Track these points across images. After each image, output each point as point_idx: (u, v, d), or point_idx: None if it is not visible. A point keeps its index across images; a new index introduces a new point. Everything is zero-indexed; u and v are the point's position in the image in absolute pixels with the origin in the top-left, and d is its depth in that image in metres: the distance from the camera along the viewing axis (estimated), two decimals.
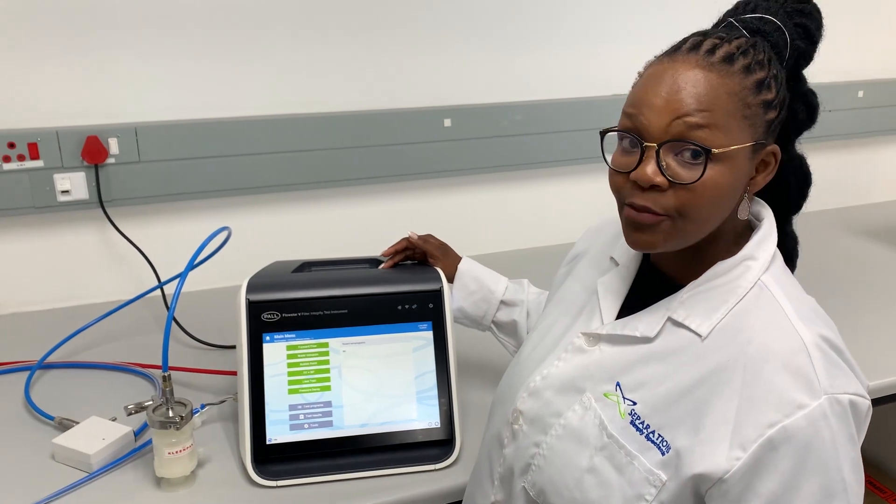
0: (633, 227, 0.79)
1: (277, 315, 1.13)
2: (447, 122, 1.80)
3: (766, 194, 0.87)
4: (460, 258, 1.27)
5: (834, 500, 0.71)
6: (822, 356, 0.74)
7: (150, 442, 1.17)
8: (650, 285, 0.87)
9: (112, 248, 1.68)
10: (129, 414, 1.09)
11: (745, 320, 0.77)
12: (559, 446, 0.84)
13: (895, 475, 2.18)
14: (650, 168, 0.75)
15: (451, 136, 1.82)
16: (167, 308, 1.55)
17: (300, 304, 1.14)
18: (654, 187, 0.75)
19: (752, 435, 0.71)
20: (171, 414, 1.05)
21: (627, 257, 0.93)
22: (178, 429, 1.04)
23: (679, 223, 0.76)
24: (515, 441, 0.90)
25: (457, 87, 1.84)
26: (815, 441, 0.71)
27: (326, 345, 1.13)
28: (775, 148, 0.79)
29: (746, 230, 0.85)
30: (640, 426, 0.79)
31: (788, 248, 0.91)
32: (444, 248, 1.28)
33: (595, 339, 0.87)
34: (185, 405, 1.07)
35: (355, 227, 1.86)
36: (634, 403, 0.80)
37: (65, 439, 1.13)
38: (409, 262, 1.28)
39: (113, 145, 1.57)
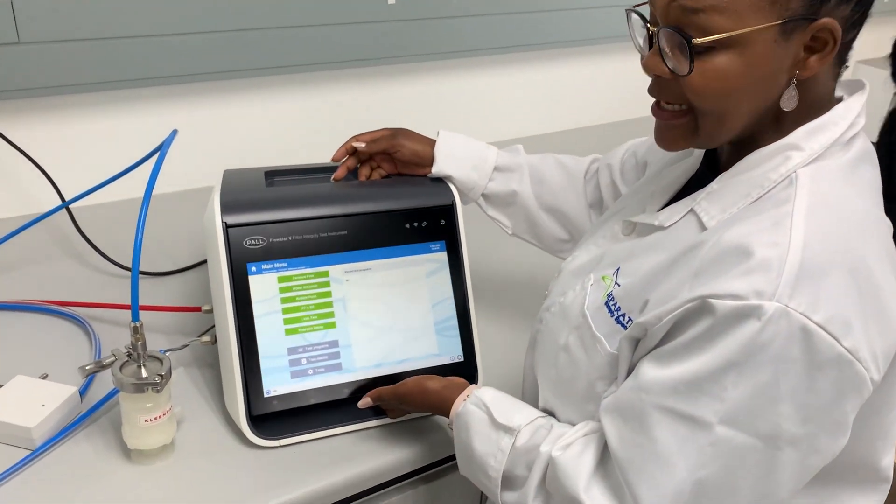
0: (656, 122, 0.75)
1: (263, 240, 0.91)
2: (391, 0, 1.56)
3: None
4: (428, 138, 1.06)
5: (698, 397, 0.64)
6: (806, 265, 0.62)
7: (101, 403, 0.94)
8: (699, 179, 0.80)
9: None
10: (87, 375, 0.85)
11: (749, 212, 0.69)
12: (551, 323, 0.84)
13: None
14: (652, 57, 0.71)
15: (395, 16, 1.58)
16: (77, 229, 1.26)
17: (291, 227, 0.92)
18: (660, 77, 0.71)
19: (680, 302, 0.66)
20: (145, 373, 0.83)
21: (700, 150, 0.84)
22: (157, 391, 0.82)
23: (698, 118, 0.71)
24: (539, 324, 0.89)
25: None
26: (733, 333, 0.63)
27: (326, 273, 0.93)
28: (830, 23, 0.65)
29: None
30: (613, 308, 0.76)
31: None
32: (402, 132, 1.05)
33: (630, 227, 0.83)
34: (160, 360, 0.85)
35: (289, 122, 1.60)
36: (619, 286, 0.77)
37: None
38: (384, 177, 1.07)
39: None
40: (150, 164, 0.87)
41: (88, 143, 1.41)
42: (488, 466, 0.78)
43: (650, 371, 0.68)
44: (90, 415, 0.93)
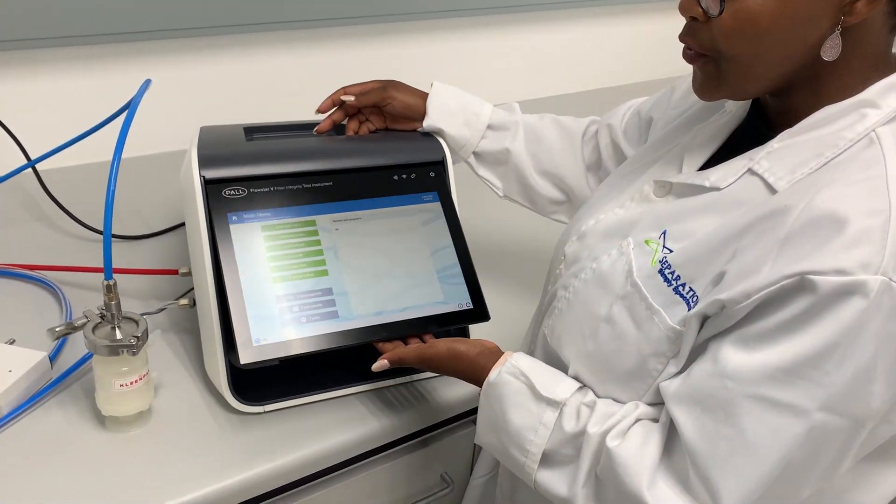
0: (692, 69, 0.71)
1: (244, 191, 0.86)
2: None
3: None
4: (420, 90, 1.01)
5: (798, 383, 0.60)
6: None
7: (73, 368, 0.89)
8: (751, 137, 0.73)
9: None
10: (56, 338, 0.80)
11: (832, 174, 0.63)
12: (584, 290, 0.77)
13: None
14: None
15: None
16: (45, 189, 1.19)
17: (274, 178, 0.87)
18: (694, 19, 0.67)
19: (772, 278, 0.60)
20: (119, 335, 0.78)
21: (737, 105, 0.78)
22: (133, 353, 0.77)
23: (724, 65, 0.67)
24: (553, 286, 0.83)
25: None
26: (838, 313, 0.58)
27: (313, 222, 0.88)
28: None
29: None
30: (670, 276, 0.69)
31: None
32: (393, 84, 0.99)
33: (665, 188, 0.76)
34: (135, 321, 0.80)
35: (263, 84, 1.53)
36: (671, 252, 0.70)
37: None
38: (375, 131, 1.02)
39: None
40: (121, 122, 0.81)
41: (57, 101, 1.34)
42: (526, 440, 0.72)
43: (736, 356, 0.62)
44: (61, 381, 0.87)
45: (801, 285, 0.59)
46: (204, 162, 0.86)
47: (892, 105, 0.64)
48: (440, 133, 0.99)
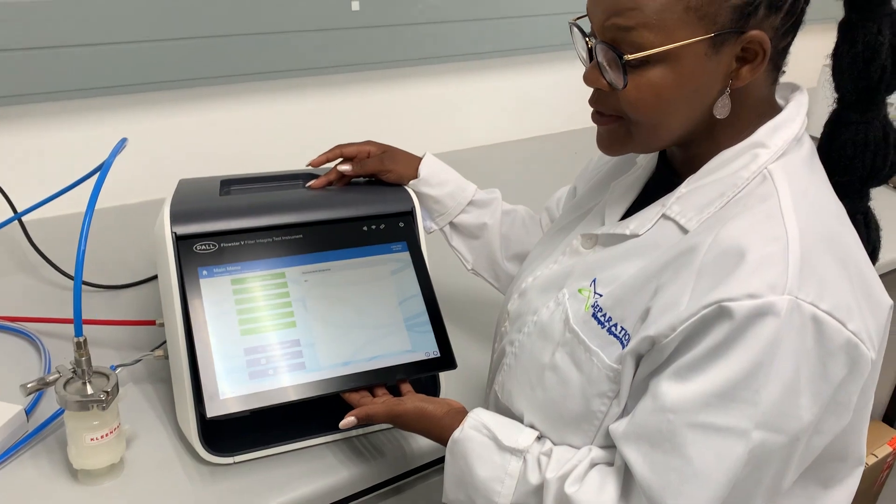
0: (597, 128, 0.76)
1: (214, 245, 0.88)
2: (355, 6, 1.54)
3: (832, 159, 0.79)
4: (414, 156, 1.05)
5: (732, 406, 0.63)
6: (805, 256, 0.64)
7: (48, 421, 0.91)
8: (662, 185, 0.78)
9: None
10: (29, 394, 0.82)
11: (734, 210, 0.69)
12: (528, 343, 0.81)
13: None
14: (592, 70, 0.72)
15: (360, 23, 1.56)
16: (30, 242, 1.22)
17: (244, 233, 0.90)
18: (599, 89, 0.72)
19: (692, 310, 0.64)
20: (90, 390, 0.79)
21: (646, 158, 0.84)
22: (103, 408, 0.79)
23: (631, 126, 0.72)
24: (500, 343, 0.87)
25: None
26: (755, 334, 0.62)
27: (283, 275, 0.90)
28: (759, 35, 0.66)
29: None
30: (602, 318, 0.74)
31: (870, 236, 0.82)
32: (391, 155, 1.04)
33: (592, 240, 0.81)
34: (106, 376, 0.82)
35: (254, 130, 1.57)
36: (601, 296, 0.75)
37: None
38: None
39: None
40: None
41: (42, 155, 1.38)
42: (493, 492, 0.74)
43: (672, 389, 0.65)
44: (36, 434, 0.89)
45: (718, 313, 0.63)
46: (176, 218, 0.88)
47: (778, 144, 0.71)
48: (424, 198, 1.02)
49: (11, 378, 0.97)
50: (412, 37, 1.64)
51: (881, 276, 0.73)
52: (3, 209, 1.24)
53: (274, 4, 1.46)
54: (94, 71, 1.34)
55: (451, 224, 1.05)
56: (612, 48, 0.67)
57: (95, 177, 0.85)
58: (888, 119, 0.78)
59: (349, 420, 0.83)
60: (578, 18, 0.74)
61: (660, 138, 0.73)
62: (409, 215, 0.98)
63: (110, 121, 1.42)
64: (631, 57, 0.66)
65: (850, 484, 0.79)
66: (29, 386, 0.81)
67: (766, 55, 0.67)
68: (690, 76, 0.67)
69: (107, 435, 0.81)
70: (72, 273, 1.20)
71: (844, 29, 0.75)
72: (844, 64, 0.75)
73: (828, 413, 0.67)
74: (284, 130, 1.60)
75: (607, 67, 0.69)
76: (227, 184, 1.03)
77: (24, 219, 1.23)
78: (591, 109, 0.75)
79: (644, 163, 0.85)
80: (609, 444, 0.73)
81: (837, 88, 0.78)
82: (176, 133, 1.49)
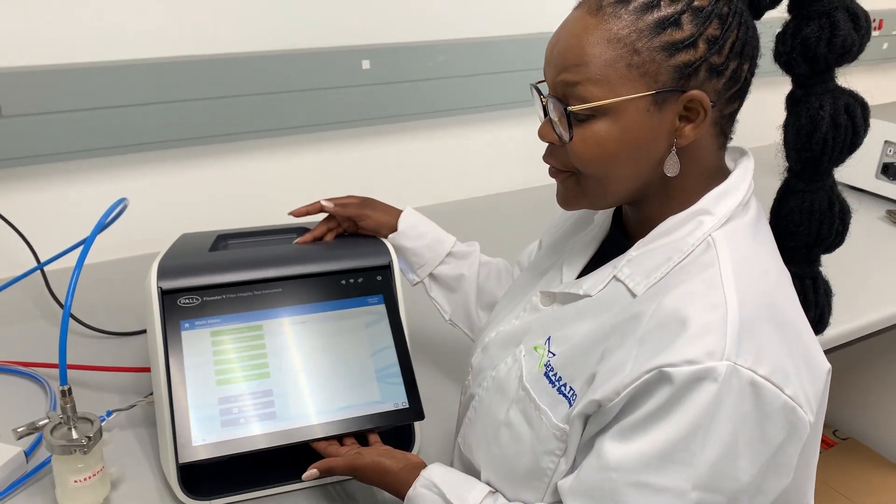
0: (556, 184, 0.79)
1: (197, 300, 0.94)
2: (366, 64, 1.61)
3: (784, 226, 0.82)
4: (395, 208, 1.10)
5: (670, 466, 0.65)
6: (744, 323, 0.66)
7: (46, 462, 0.97)
8: (616, 245, 0.82)
9: None
10: (20, 437, 0.88)
11: (679, 277, 0.71)
12: (487, 398, 0.84)
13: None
14: (544, 125, 0.75)
15: (371, 80, 1.63)
16: (50, 293, 1.31)
17: (225, 287, 0.95)
18: (552, 144, 0.76)
19: (634, 375, 0.67)
20: (74, 435, 0.85)
21: (602, 217, 0.88)
22: (84, 452, 0.85)
23: (582, 180, 0.75)
24: (464, 396, 0.90)
25: (375, 24, 1.64)
26: (694, 398, 0.64)
27: (260, 327, 0.95)
28: (699, 95, 0.69)
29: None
30: (553, 378, 0.76)
31: (818, 301, 0.84)
32: (370, 203, 1.10)
33: (550, 298, 0.84)
34: (90, 421, 0.88)
35: (263, 184, 1.65)
36: (554, 355, 0.77)
37: None
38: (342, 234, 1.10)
39: None
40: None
41: (65, 208, 1.47)
42: None
43: (615, 449, 0.68)
44: (33, 475, 0.95)
45: (660, 378, 0.66)
46: (162, 273, 0.94)
47: (722, 211, 0.73)
48: (403, 250, 1.07)
49: (19, 420, 1.03)
50: (418, 92, 1.70)
51: (887, 330, 0.74)
52: (28, 259, 1.33)
53: (292, 67, 1.54)
54: (112, 131, 1.43)
55: (431, 275, 1.09)
56: (560, 101, 0.71)
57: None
58: (835, 189, 0.80)
59: (311, 472, 0.87)
60: (539, 83, 0.78)
61: (610, 193, 0.75)
62: (387, 269, 1.02)
63: (127, 175, 1.51)
64: (576, 108, 0.70)
65: None
66: (20, 430, 0.87)
67: (707, 114, 0.70)
68: (633, 130, 0.70)
69: (90, 478, 0.87)
70: (84, 320, 1.28)
71: (790, 102, 0.78)
72: (790, 135, 0.78)
73: (769, 474, 0.68)
74: (300, 184, 1.67)
75: (557, 121, 0.73)
76: (224, 238, 1.09)
77: (46, 269, 1.32)
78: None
79: (600, 221, 0.88)
80: (558, 500, 0.75)
81: (787, 158, 0.80)
82: (193, 187, 1.58)
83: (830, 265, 0.87)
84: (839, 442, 2.13)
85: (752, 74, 0.73)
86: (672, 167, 0.72)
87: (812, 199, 0.79)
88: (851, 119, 0.75)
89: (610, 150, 0.71)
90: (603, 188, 0.74)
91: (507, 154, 1.92)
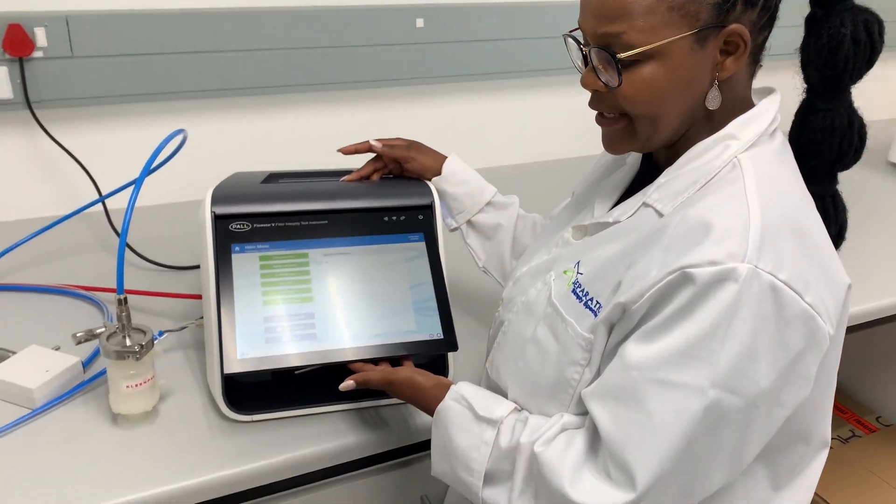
0: (602, 130, 0.81)
1: (248, 225, 0.99)
2: (419, 22, 1.64)
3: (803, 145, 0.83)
4: (441, 154, 1.13)
5: (690, 364, 0.68)
6: (766, 230, 0.69)
7: (101, 374, 1.03)
8: (646, 180, 0.84)
9: (42, 157, 1.49)
10: (79, 343, 0.95)
11: (703, 194, 0.75)
12: (515, 321, 0.87)
13: (858, 398, 2.20)
14: (588, 74, 0.78)
15: (424, 39, 1.66)
16: (110, 224, 1.38)
17: (274, 216, 1.00)
18: (597, 91, 0.78)
19: (659, 277, 0.70)
20: (128, 342, 0.91)
21: (633, 157, 0.91)
22: (137, 359, 0.90)
23: (633, 123, 0.78)
24: (494, 327, 0.93)
25: None
26: (715, 297, 0.67)
27: (306, 255, 0.99)
28: (739, 28, 0.72)
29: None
30: (580, 294, 0.79)
31: (837, 217, 0.86)
32: (417, 146, 1.12)
33: (582, 231, 0.87)
34: (143, 332, 0.93)
35: (317, 137, 1.70)
36: (582, 275, 0.80)
37: (1, 371, 0.98)
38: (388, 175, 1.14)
39: (40, 36, 1.36)
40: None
41: (128, 148, 1.54)
42: (471, 460, 0.80)
43: (637, 350, 0.71)
44: (90, 383, 1.02)
45: (682, 279, 0.69)
46: (216, 200, 0.99)
47: (747, 136, 0.77)
48: (445, 195, 1.10)
49: None
50: (471, 53, 1.73)
51: None
52: (92, 194, 1.40)
53: (348, 22, 1.58)
54: (188, 73, 1.49)
55: (469, 222, 1.12)
56: (606, 50, 0.74)
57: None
58: (853, 107, 0.81)
59: (348, 383, 0.91)
60: (573, 31, 0.80)
61: (660, 131, 0.78)
62: (429, 209, 1.06)
63: (199, 121, 1.57)
64: (623, 55, 0.73)
65: (816, 467, 0.81)
66: (79, 335, 0.93)
67: (747, 46, 0.73)
68: (680, 69, 0.73)
69: (141, 384, 0.93)
70: (145, 254, 1.34)
71: (810, 24, 0.80)
72: (811, 56, 0.80)
73: (787, 384, 0.70)
74: (350, 137, 1.71)
75: (602, 69, 0.76)
76: (275, 176, 1.13)
77: (109, 207, 1.40)
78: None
79: (631, 161, 0.90)
80: (582, 412, 0.78)
81: (806, 79, 0.82)
82: (252, 135, 1.64)
83: (885, 238, 0.89)
84: (882, 429, 2.10)
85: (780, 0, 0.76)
86: (713, 100, 0.75)
87: (833, 118, 0.81)
88: (869, 35, 0.77)
89: (660, 91, 0.74)
90: (654, 127, 0.77)
91: (560, 122, 1.93)
